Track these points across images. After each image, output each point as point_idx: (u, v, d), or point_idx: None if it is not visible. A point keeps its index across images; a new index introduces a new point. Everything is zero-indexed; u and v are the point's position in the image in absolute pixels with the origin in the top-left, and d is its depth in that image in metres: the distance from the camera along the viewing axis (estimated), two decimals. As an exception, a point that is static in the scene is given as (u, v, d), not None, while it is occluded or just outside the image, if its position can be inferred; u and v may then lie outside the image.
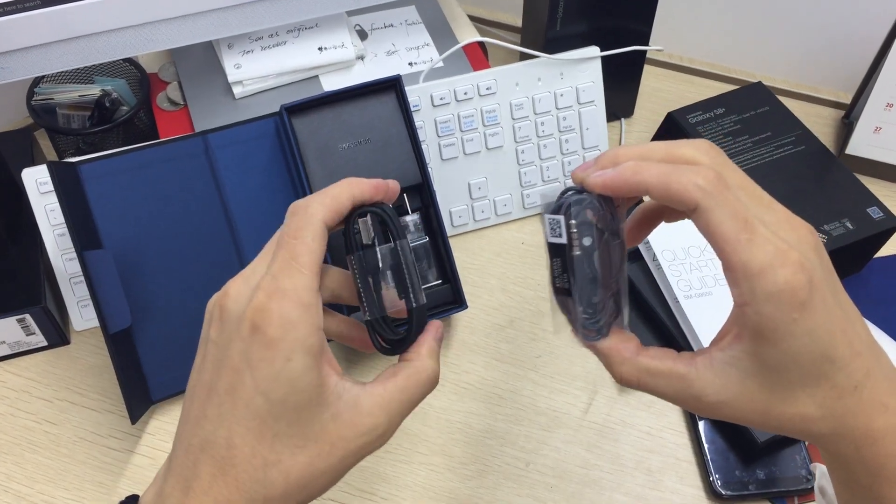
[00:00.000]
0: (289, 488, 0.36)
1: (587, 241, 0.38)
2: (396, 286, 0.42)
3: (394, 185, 0.44)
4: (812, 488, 0.64)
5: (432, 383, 0.41)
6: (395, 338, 0.42)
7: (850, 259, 0.78)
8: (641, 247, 0.75)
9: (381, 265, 0.42)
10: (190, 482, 0.37)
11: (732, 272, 0.35)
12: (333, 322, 0.45)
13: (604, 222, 0.38)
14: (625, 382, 0.39)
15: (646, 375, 0.38)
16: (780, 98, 0.86)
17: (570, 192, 0.39)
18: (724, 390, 0.36)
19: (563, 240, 0.38)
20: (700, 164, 0.36)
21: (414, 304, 0.42)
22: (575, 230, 0.37)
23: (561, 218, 0.38)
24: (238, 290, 0.38)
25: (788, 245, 0.34)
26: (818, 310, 0.35)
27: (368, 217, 0.42)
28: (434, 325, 0.43)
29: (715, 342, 0.38)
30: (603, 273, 0.38)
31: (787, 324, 0.34)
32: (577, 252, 0.38)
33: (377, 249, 0.42)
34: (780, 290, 0.34)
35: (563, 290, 0.39)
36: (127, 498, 0.40)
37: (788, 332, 0.34)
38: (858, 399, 0.36)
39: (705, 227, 0.35)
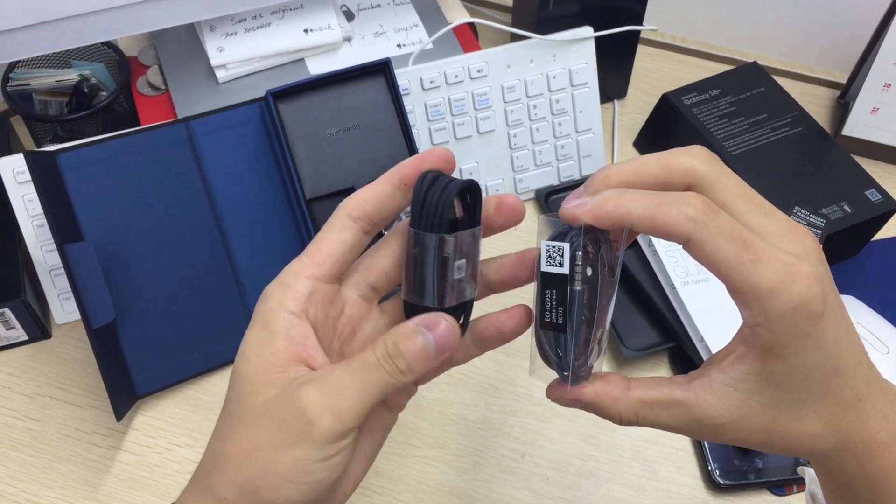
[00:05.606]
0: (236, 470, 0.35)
1: (589, 273, 0.35)
2: (460, 276, 0.37)
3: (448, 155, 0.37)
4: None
5: (384, 376, 0.35)
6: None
7: (848, 242, 0.77)
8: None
9: (453, 252, 0.36)
10: None
11: (741, 295, 0.33)
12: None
13: (603, 256, 0.36)
14: (624, 422, 0.37)
15: (643, 408, 0.36)
16: (775, 78, 0.84)
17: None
18: (727, 412, 0.35)
19: (564, 270, 0.35)
20: (691, 187, 0.34)
21: (465, 299, 0.37)
22: (579, 262, 0.35)
23: (565, 246, 0.35)
24: None
25: (796, 257, 0.33)
26: (830, 322, 0.33)
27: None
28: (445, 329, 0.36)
29: (713, 363, 0.36)
30: (598, 311, 0.36)
31: (800, 339, 0.33)
32: (577, 286, 0.35)
33: (457, 235, 0.36)
34: (794, 306, 0.32)
35: (554, 325, 0.36)
36: None
37: (801, 346, 0.33)
38: (862, 411, 0.35)
39: (702, 256, 0.33)
